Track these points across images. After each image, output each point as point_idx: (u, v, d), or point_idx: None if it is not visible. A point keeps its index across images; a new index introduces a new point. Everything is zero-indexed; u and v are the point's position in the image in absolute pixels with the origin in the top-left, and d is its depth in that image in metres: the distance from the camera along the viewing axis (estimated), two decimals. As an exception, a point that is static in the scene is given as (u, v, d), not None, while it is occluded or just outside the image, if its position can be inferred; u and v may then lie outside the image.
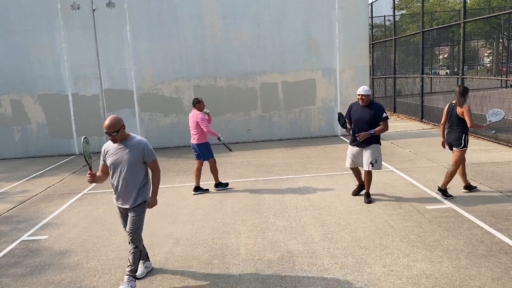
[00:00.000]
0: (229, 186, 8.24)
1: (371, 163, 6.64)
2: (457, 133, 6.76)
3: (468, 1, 32.35)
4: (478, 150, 10.03)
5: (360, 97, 6.63)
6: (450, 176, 6.80)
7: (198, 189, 8.01)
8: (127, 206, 4.51)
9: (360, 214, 6.34)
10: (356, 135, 6.67)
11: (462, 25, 12.35)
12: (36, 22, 12.74)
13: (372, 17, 22.40)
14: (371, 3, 21.81)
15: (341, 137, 13.39)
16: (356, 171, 7.07)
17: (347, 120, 6.96)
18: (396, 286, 4.26)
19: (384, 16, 24.47)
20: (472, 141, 11.33)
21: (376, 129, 6.59)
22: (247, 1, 12.98)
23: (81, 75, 13.03)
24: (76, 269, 5.10)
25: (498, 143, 10.73)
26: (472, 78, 13.30)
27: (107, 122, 4.31)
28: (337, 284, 4.37)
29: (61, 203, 7.94)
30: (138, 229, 4.52)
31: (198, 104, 7.80)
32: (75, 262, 5.29)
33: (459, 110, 6.72)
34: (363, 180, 7.03)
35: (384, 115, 6.58)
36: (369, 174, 6.78)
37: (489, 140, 11.03)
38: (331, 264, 4.79)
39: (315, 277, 4.54)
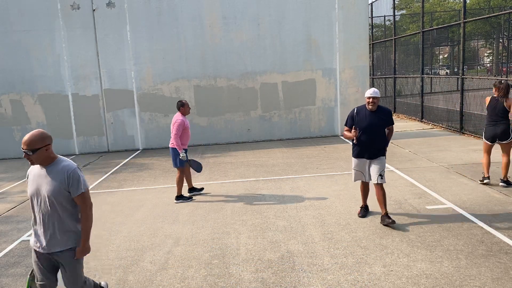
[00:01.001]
0: (192, 199, 7.63)
1: (380, 175, 5.89)
2: (504, 125, 7.22)
3: (468, 1, 32.36)
4: (478, 150, 10.02)
5: (370, 100, 5.80)
6: (506, 167, 7.26)
7: (192, 190, 7.91)
8: (52, 251, 3.51)
9: (360, 214, 6.34)
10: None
11: (462, 25, 12.35)
12: (36, 22, 12.74)
13: (372, 17, 22.40)
14: (371, 3, 21.81)
15: (341, 137, 13.39)
16: (365, 187, 6.25)
17: (348, 129, 6.07)
18: (396, 286, 4.26)
19: (384, 16, 24.49)
20: (472, 141, 11.34)
21: (388, 138, 6.06)
22: (247, 1, 12.98)
23: (81, 75, 13.03)
24: (76, 269, 5.10)
25: (498, 143, 10.70)
26: (472, 78, 13.30)
27: (26, 136, 3.34)
28: (337, 284, 4.37)
29: (61, 203, 7.93)
30: (78, 283, 3.68)
31: (182, 107, 7.45)
32: (75, 262, 5.29)
33: (506, 103, 7.14)
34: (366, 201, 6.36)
35: (392, 119, 6.07)
36: (381, 188, 5.93)
37: (489, 140, 11.02)
38: (331, 264, 4.79)
39: (315, 277, 4.54)
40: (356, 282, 4.37)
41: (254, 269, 4.80)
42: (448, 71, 34.46)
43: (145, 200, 7.77)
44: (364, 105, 5.97)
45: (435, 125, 14.48)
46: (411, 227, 5.73)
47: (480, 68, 39.21)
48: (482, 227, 5.56)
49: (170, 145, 7.54)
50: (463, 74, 12.63)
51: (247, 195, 7.71)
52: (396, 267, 4.64)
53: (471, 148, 10.46)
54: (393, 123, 6.05)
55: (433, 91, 18.77)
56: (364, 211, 6.26)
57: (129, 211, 7.21)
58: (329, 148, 11.74)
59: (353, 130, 5.86)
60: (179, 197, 7.57)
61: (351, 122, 6.02)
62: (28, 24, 12.73)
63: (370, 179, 6.04)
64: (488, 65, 38.94)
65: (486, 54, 41.84)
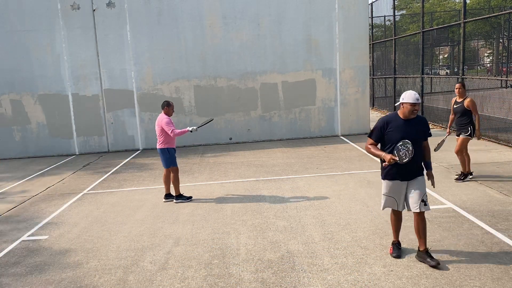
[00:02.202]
0: (193, 199, 7.60)
1: (423, 200, 4.64)
2: None
3: (468, 1, 32.35)
4: (478, 150, 10.03)
5: (412, 107, 4.51)
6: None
7: (169, 196, 7.68)
8: None
9: (360, 214, 6.33)
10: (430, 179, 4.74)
11: (462, 25, 12.35)
12: (36, 22, 12.74)
13: (372, 17, 22.40)
14: (371, 3, 21.81)
15: (341, 137, 13.39)
16: (398, 217, 4.92)
17: (374, 143, 4.76)
18: (396, 286, 4.26)
19: (384, 16, 24.48)
20: (472, 141, 11.32)
21: (428, 157, 4.80)
22: (247, 1, 12.98)
23: (81, 75, 13.03)
24: (76, 269, 5.10)
25: (498, 143, 10.74)
26: (472, 78, 13.30)
27: None
28: (337, 284, 4.37)
29: (61, 203, 7.95)
30: None
31: (167, 107, 7.42)
32: (75, 262, 5.30)
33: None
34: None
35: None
36: (422, 219, 4.68)
37: (489, 140, 11.04)
38: (331, 264, 4.79)
39: (315, 277, 4.54)
40: (356, 282, 4.37)
41: (254, 269, 4.79)
42: (448, 71, 34.45)
43: (145, 200, 7.77)
44: (395, 114, 4.70)
45: (435, 125, 14.48)
46: (411, 227, 5.71)
47: (480, 68, 39.21)
48: (482, 227, 5.56)
49: (158, 147, 7.50)
50: (463, 74, 12.63)
51: (247, 195, 7.71)
52: (396, 267, 4.64)
53: (471, 148, 10.41)
54: (429, 136, 4.79)
55: (433, 91, 18.76)
56: (398, 250, 4.92)
57: (129, 211, 7.21)
58: (329, 148, 11.74)
59: (389, 156, 4.48)
60: (179, 197, 7.55)
61: (378, 134, 4.70)
62: (28, 24, 12.73)
63: (404, 208, 4.80)
64: (488, 65, 38.93)
65: (486, 54, 41.83)
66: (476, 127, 7.57)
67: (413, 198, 4.65)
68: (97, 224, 6.66)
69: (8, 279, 4.98)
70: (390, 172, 4.69)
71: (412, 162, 4.58)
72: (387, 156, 4.51)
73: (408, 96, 4.52)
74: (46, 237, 6.25)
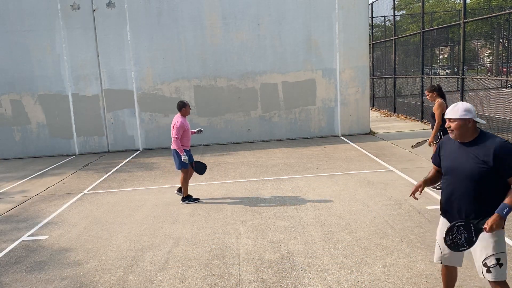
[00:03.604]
0: (199, 201, 7.51)
1: (485, 265, 3.20)
2: None
3: (468, 1, 32.35)
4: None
5: (447, 123, 3.29)
6: None
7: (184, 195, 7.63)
8: None
9: (360, 214, 6.34)
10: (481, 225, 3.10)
11: (462, 25, 12.35)
12: (36, 22, 12.74)
13: (372, 17, 22.40)
14: (371, 3, 21.81)
15: (341, 137, 13.39)
16: (449, 272, 3.61)
17: (434, 167, 3.62)
18: (396, 286, 4.26)
19: (384, 16, 24.48)
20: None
21: (509, 199, 3.04)
22: (247, 1, 12.98)
23: (81, 75, 13.03)
24: (76, 269, 5.10)
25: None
26: (472, 78, 13.29)
27: None
28: (337, 284, 4.37)
29: (61, 203, 7.95)
30: None
31: (184, 108, 7.28)
32: (75, 262, 5.30)
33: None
34: None
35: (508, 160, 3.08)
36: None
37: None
38: (331, 264, 4.79)
39: (315, 277, 4.54)
40: (356, 282, 4.37)
41: (254, 269, 4.80)
42: (448, 71, 34.46)
43: (145, 201, 7.78)
44: None
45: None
46: (411, 227, 5.73)
47: (480, 68, 39.23)
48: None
49: (172, 147, 7.43)
50: (463, 74, 12.63)
51: (247, 195, 7.71)
52: (396, 267, 4.64)
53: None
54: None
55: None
56: None
57: (129, 211, 7.21)
58: (329, 148, 11.74)
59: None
60: (186, 198, 7.46)
61: (435, 158, 3.56)
62: (28, 24, 12.73)
63: (458, 264, 3.53)
64: (488, 65, 38.94)
65: (486, 54, 41.84)
66: (432, 133, 7.02)
67: (477, 257, 3.26)
68: (97, 224, 6.66)
69: (8, 279, 4.98)
70: (440, 206, 3.46)
71: (462, 200, 3.25)
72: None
73: (448, 110, 3.30)
74: (46, 237, 6.25)
